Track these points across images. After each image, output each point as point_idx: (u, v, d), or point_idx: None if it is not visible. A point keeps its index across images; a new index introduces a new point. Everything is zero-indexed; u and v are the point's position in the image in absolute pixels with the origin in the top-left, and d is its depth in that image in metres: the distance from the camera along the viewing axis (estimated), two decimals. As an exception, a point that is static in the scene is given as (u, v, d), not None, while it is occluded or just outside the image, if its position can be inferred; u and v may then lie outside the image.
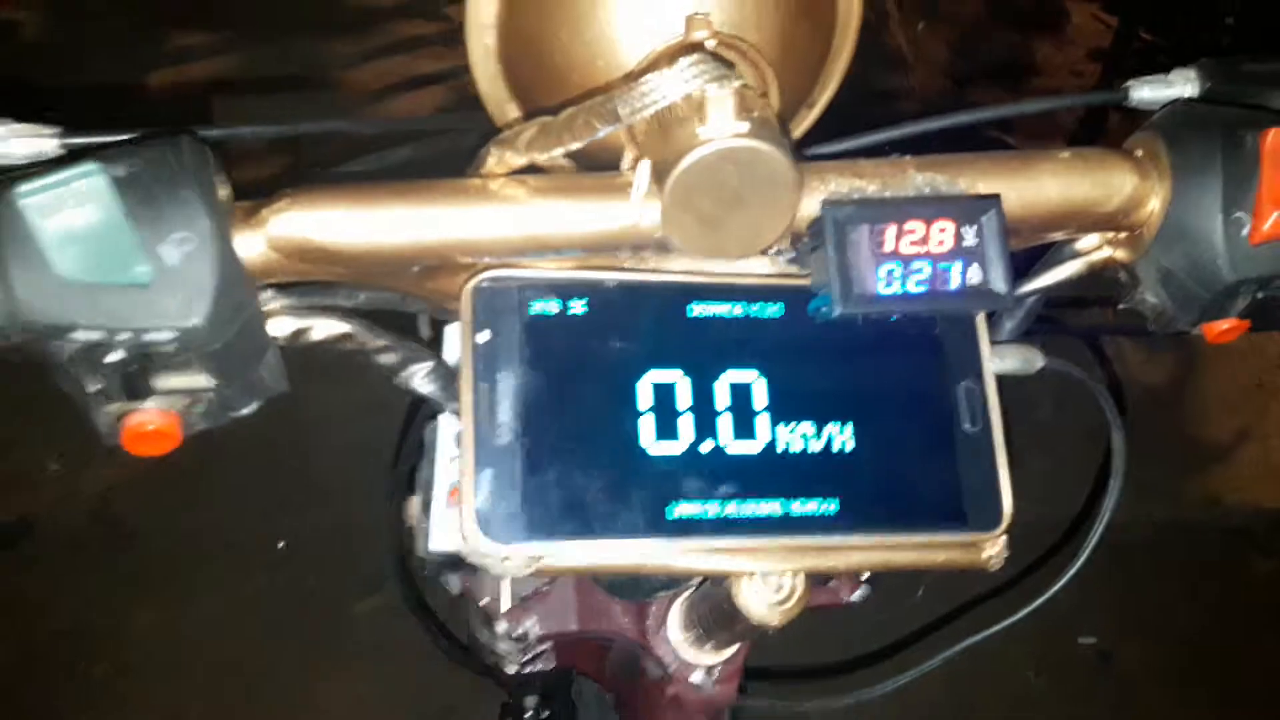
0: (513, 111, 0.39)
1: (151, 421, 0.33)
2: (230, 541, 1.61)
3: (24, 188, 0.29)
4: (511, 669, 0.74)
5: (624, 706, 0.66)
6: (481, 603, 0.51)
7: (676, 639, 0.49)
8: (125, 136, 0.32)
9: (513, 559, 0.35)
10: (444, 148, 0.44)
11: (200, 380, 0.33)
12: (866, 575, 0.51)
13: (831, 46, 0.40)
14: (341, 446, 1.69)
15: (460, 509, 0.35)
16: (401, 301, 0.40)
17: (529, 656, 0.73)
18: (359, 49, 2.23)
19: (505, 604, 0.50)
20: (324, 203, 0.33)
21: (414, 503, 0.49)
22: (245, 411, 0.35)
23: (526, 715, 1.13)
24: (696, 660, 0.49)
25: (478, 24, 0.36)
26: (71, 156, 0.32)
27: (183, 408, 0.34)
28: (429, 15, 2.28)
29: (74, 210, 0.29)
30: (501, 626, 0.52)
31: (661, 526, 0.35)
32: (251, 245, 0.33)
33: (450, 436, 0.46)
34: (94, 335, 0.30)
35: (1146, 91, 0.40)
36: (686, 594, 0.49)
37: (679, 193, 0.31)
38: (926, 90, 2.36)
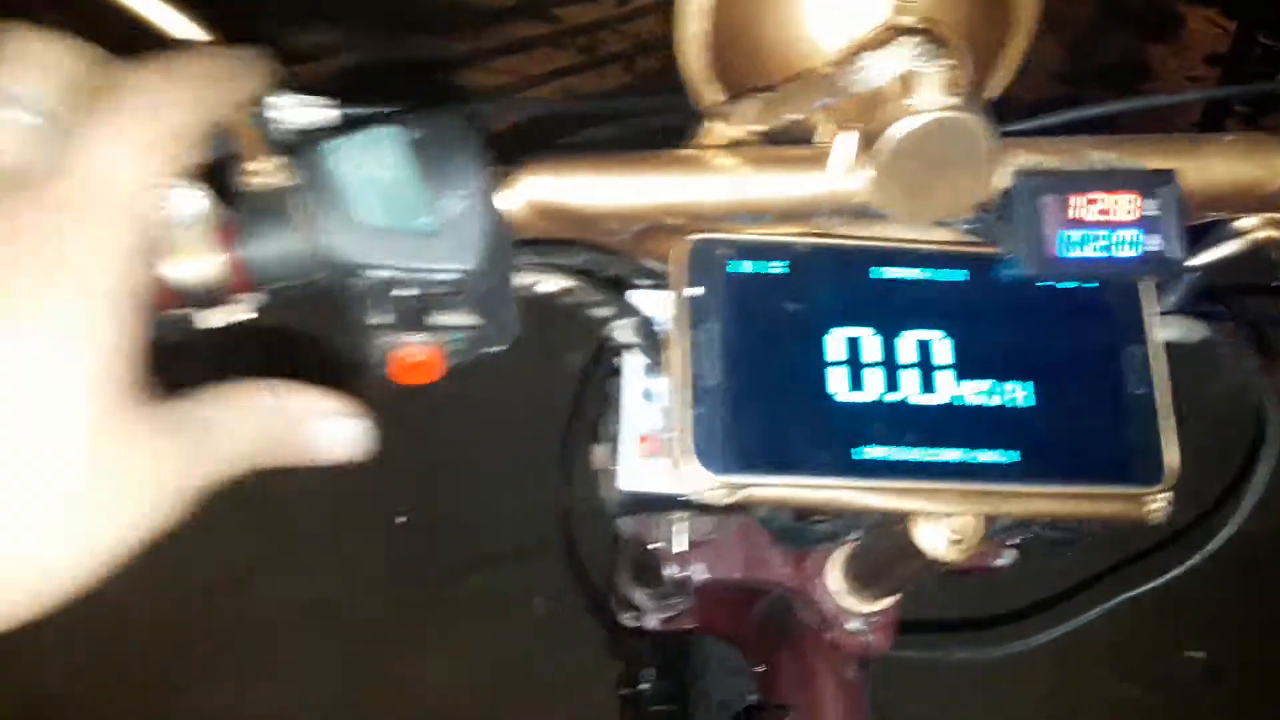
0: (713, 93, 0.43)
1: (418, 353, 0.38)
2: (349, 515, 1.69)
3: (333, 143, 0.34)
4: (650, 623, 0.79)
5: (767, 663, 0.70)
6: (652, 546, 0.55)
7: (835, 588, 0.53)
8: (396, 109, 0.37)
9: (720, 488, 0.39)
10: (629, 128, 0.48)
11: (465, 319, 0.37)
12: (1015, 541, 0.54)
13: (1006, 40, 0.43)
14: (462, 433, 1.75)
15: (676, 441, 0.39)
16: (609, 263, 0.45)
17: (668, 615, 0.78)
18: (470, 47, 2.30)
19: (678, 547, 0.54)
20: (567, 169, 0.38)
21: (598, 451, 0.53)
22: (494, 350, 0.40)
23: (642, 686, 1.17)
24: (854, 608, 0.53)
25: (690, 11, 0.41)
26: (349, 125, 0.37)
27: (443, 343, 0.38)
28: (540, 17, 2.34)
29: (374, 165, 0.35)
30: (670, 570, 0.56)
31: (849, 467, 0.39)
32: (507, 204, 0.37)
33: (636, 391, 0.51)
34: (385, 273, 0.35)
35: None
36: (845, 546, 0.53)
37: (890, 159, 0.35)
38: (1039, 93, 2.35)
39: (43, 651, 1.47)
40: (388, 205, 0.35)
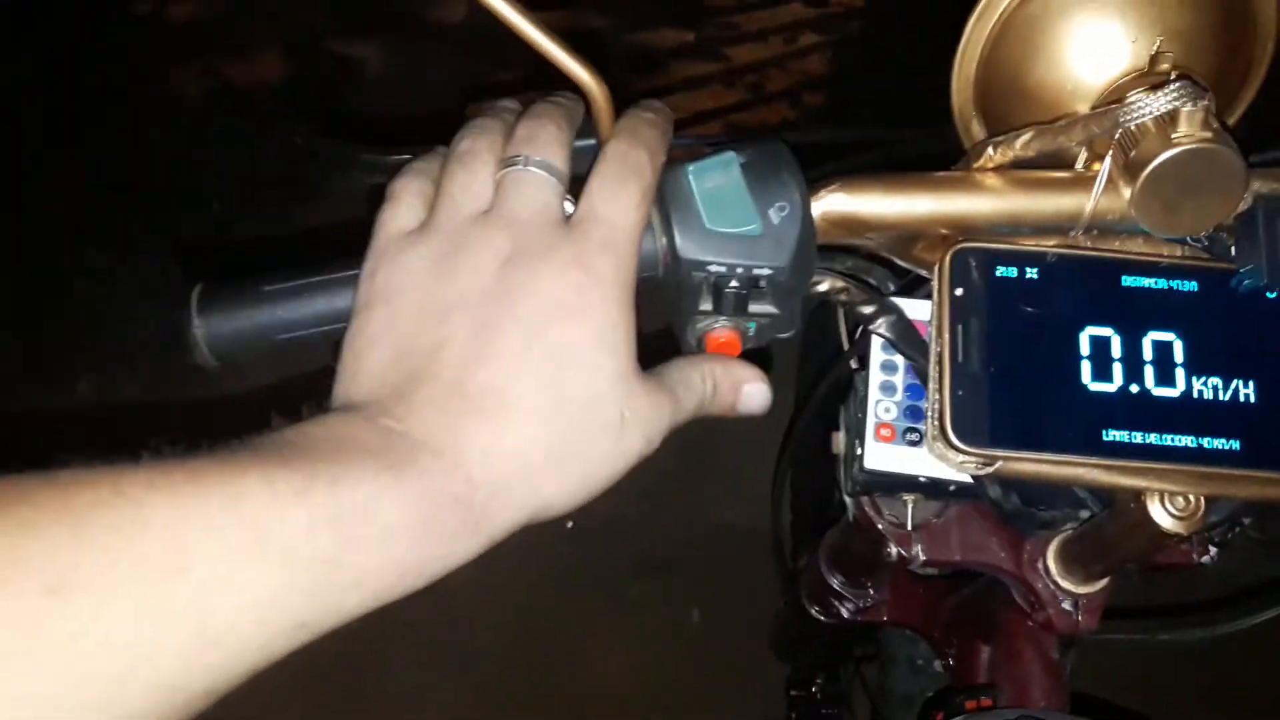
0: (976, 127, 0.51)
1: (724, 335, 0.46)
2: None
3: (691, 166, 0.43)
4: (844, 612, 0.85)
5: (960, 651, 0.75)
6: (878, 526, 0.62)
7: (1053, 569, 0.59)
8: (717, 140, 0.46)
9: (975, 459, 0.46)
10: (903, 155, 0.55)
11: (768, 308, 0.45)
12: (1220, 538, 0.59)
13: (1244, 83, 0.49)
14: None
15: (934, 418, 0.46)
16: (872, 270, 0.52)
17: (863, 604, 0.84)
18: (647, 85, 2.40)
19: (909, 525, 0.60)
20: (865, 188, 0.46)
21: (838, 437, 0.61)
22: (783, 336, 0.47)
23: (814, 686, 1.23)
24: (1069, 589, 0.59)
25: (968, 57, 0.48)
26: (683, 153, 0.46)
27: (744, 329, 0.46)
28: (711, 57, 2.42)
29: (717, 181, 0.43)
30: (891, 549, 0.62)
31: (1095, 448, 0.46)
32: (814, 213, 0.45)
33: (877, 384, 0.58)
34: (721, 269, 0.43)
35: None
36: (1063, 533, 0.59)
37: (1152, 182, 0.42)
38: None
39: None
40: (726, 214, 0.43)
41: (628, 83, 2.38)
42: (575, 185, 0.41)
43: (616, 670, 1.65)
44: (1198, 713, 1.50)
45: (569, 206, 0.41)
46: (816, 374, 0.64)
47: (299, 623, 0.32)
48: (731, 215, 0.43)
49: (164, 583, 0.29)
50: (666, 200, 0.43)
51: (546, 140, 0.41)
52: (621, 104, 0.44)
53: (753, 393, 0.44)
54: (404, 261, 0.40)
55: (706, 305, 0.45)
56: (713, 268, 0.43)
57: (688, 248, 0.43)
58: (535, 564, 1.75)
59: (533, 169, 0.40)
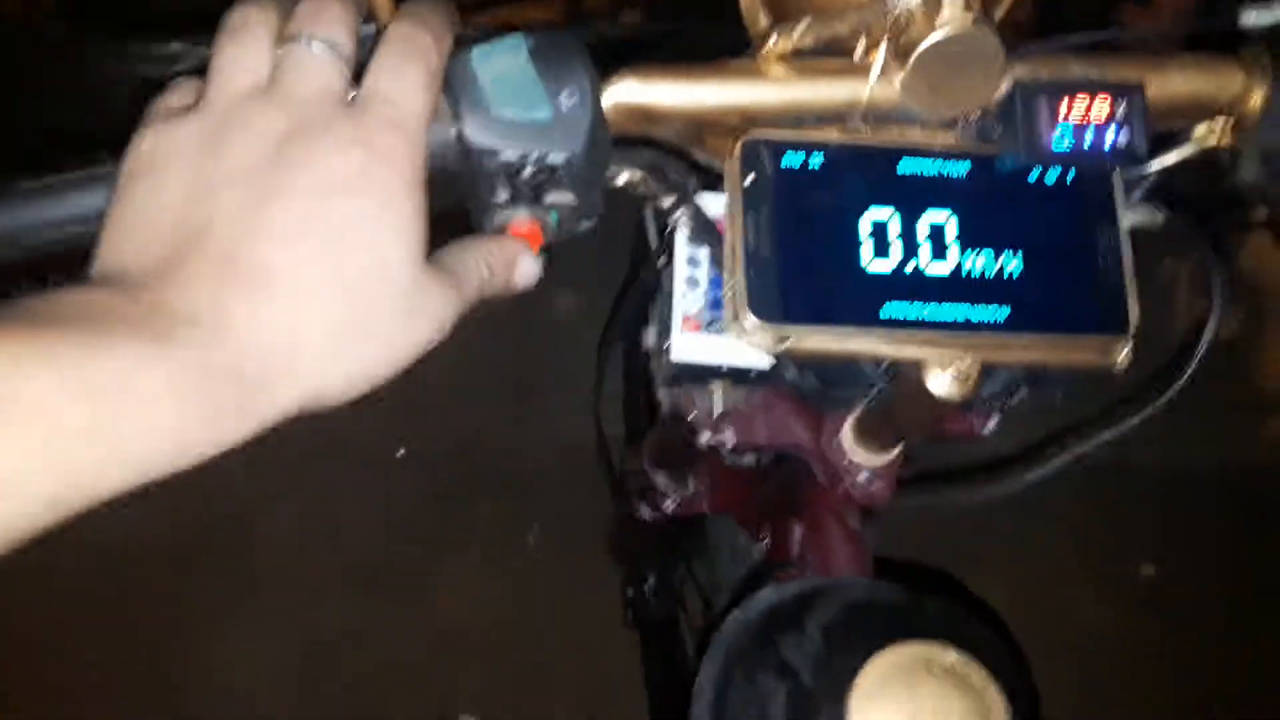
0: (761, 16, 0.52)
1: (525, 224, 0.47)
2: (352, 444, 1.75)
3: (479, 49, 0.43)
4: (668, 506, 0.89)
5: (773, 531, 0.80)
6: (690, 416, 0.64)
7: (847, 444, 0.63)
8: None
9: (769, 335, 0.48)
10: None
11: (566, 197, 0.46)
12: (1000, 405, 0.64)
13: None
14: (455, 360, 1.82)
15: (733, 299, 0.48)
16: (669, 162, 0.54)
17: (685, 497, 0.88)
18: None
19: (716, 411, 0.63)
20: (654, 77, 0.47)
21: (650, 332, 0.62)
22: (582, 229, 0.48)
23: (646, 584, 1.28)
24: (863, 462, 0.63)
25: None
26: (470, 40, 0.46)
27: (544, 220, 0.47)
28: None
29: (504, 65, 0.43)
30: (704, 436, 0.65)
31: (875, 321, 0.49)
32: (605, 102, 0.46)
33: (683, 278, 0.60)
34: (513, 155, 0.43)
35: (1254, 17, 0.52)
36: (856, 411, 0.63)
37: (920, 65, 0.44)
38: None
39: (51, 592, 1.52)
40: (515, 99, 0.43)
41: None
42: (357, 75, 0.41)
43: (465, 596, 1.66)
44: (992, 564, 1.61)
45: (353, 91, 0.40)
46: (628, 276, 0.66)
47: (52, 499, 0.30)
48: (520, 100, 0.43)
49: None
50: (454, 87, 0.43)
51: (330, 18, 0.39)
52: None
53: (526, 266, 0.45)
54: (173, 134, 0.38)
55: (504, 195, 0.45)
56: (504, 155, 0.44)
57: (476, 134, 0.43)
58: (366, 500, 1.73)
59: (315, 46, 0.39)
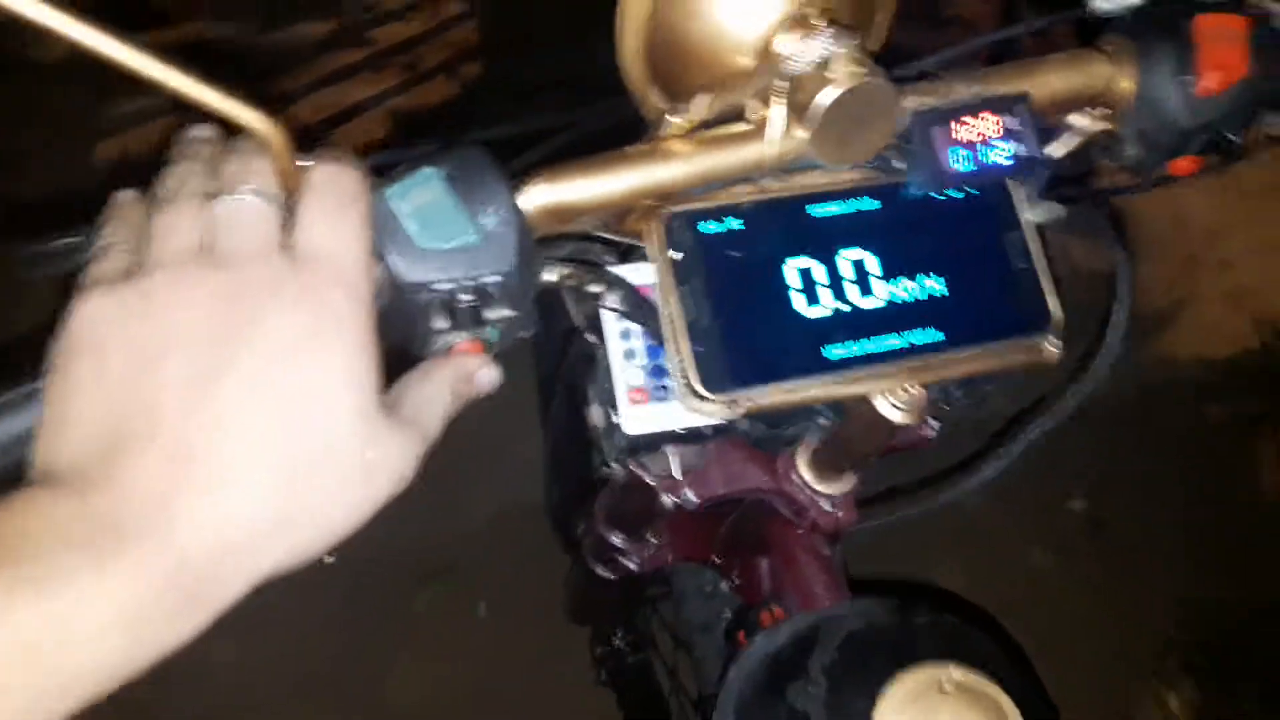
0: (653, 95, 0.53)
1: (467, 347, 0.46)
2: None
3: (392, 188, 0.42)
4: (630, 565, 0.88)
5: (741, 570, 0.80)
6: (650, 481, 0.65)
7: (806, 477, 0.64)
8: (424, 150, 0.46)
9: (722, 404, 0.49)
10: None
11: (504, 312, 0.46)
12: (938, 412, 0.65)
13: (876, 11, 0.54)
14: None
15: (681, 376, 0.49)
16: (589, 250, 0.54)
17: (646, 553, 0.88)
18: (293, 85, 2.28)
19: (677, 474, 0.63)
20: (565, 175, 0.47)
21: (594, 411, 0.62)
22: (522, 335, 0.48)
23: (616, 642, 1.27)
24: (824, 491, 0.64)
25: (629, 29, 0.50)
26: (379, 171, 0.45)
27: (484, 338, 0.47)
28: (356, 43, 2.34)
29: (422, 198, 0.43)
30: (666, 498, 0.65)
31: (821, 366, 0.50)
32: (524, 208, 0.46)
33: (619, 353, 0.60)
34: (448, 285, 0.43)
35: (1103, 3, 0.54)
36: (807, 445, 0.64)
37: (823, 121, 0.45)
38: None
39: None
40: (440, 231, 0.43)
41: (275, 84, 2.26)
42: None
43: (422, 684, 1.63)
44: (942, 545, 1.65)
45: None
46: (558, 358, 0.66)
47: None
48: (444, 230, 0.43)
49: None
50: (377, 228, 0.42)
51: (259, 169, 0.39)
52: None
53: (484, 376, 0.46)
54: (109, 307, 0.36)
55: (442, 324, 0.45)
56: (438, 286, 0.43)
57: (409, 271, 0.43)
58: (308, 607, 1.67)
59: (248, 198, 0.38)
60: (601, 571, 0.92)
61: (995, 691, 0.51)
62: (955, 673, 0.51)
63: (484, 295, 0.44)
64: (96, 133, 2.04)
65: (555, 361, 0.66)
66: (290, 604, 1.66)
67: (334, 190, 0.40)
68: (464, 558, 1.70)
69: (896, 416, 0.52)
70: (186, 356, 0.35)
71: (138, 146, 2.01)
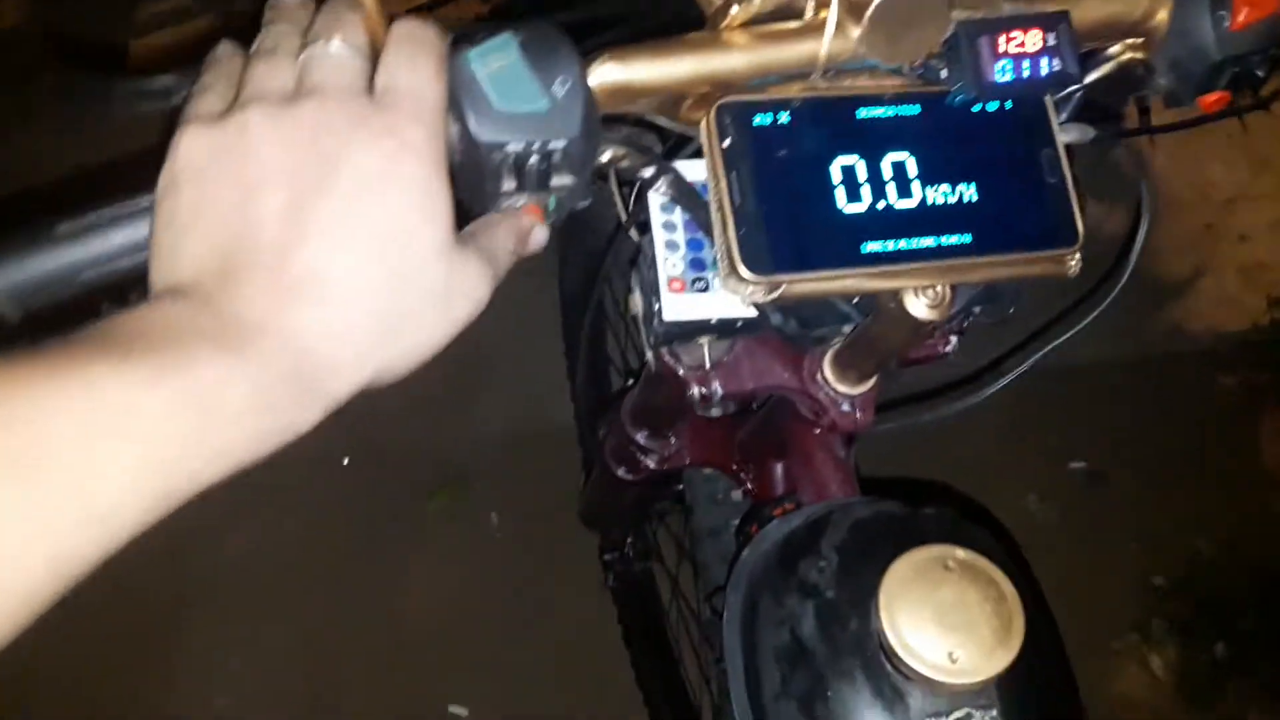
0: (713, -8, 0.56)
1: (530, 210, 0.50)
2: (296, 461, 1.74)
3: (474, 50, 0.46)
4: (650, 464, 0.92)
5: (755, 472, 0.84)
6: (681, 370, 0.68)
7: (829, 376, 0.67)
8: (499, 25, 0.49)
9: (763, 286, 0.52)
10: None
11: (566, 179, 0.49)
12: (959, 326, 0.69)
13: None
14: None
15: (725, 257, 0.52)
16: (642, 137, 0.57)
17: (666, 453, 0.92)
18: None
19: (707, 365, 0.67)
20: (632, 57, 0.50)
21: (635, 298, 0.66)
22: (579, 207, 0.52)
23: (627, 545, 1.32)
24: (845, 392, 0.67)
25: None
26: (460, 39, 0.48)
27: (542, 202, 0.50)
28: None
29: (499, 63, 0.46)
30: (695, 389, 0.69)
31: (857, 260, 0.53)
32: (590, 84, 0.49)
33: (662, 243, 0.63)
34: (519, 147, 0.46)
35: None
36: (833, 346, 0.67)
37: (876, 20, 0.48)
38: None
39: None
40: (514, 95, 0.46)
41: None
42: None
43: (435, 589, 1.67)
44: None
45: None
46: (605, 245, 0.69)
47: (168, 492, 0.35)
48: (519, 94, 0.46)
49: (44, 473, 0.32)
50: (455, 88, 0.46)
51: (347, 21, 0.43)
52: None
53: (538, 235, 0.49)
54: (209, 140, 0.40)
55: (510, 185, 0.48)
56: (510, 147, 0.46)
57: (483, 131, 0.46)
58: (324, 507, 1.72)
59: (335, 46, 0.42)
60: (621, 473, 0.96)
61: (997, 574, 0.55)
62: (960, 553, 0.55)
63: (550, 160, 0.48)
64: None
65: (603, 251, 0.69)
66: (305, 502, 1.73)
67: (415, 40, 0.44)
68: (477, 466, 1.74)
69: (924, 313, 0.55)
70: (280, 186, 0.39)
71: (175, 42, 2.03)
